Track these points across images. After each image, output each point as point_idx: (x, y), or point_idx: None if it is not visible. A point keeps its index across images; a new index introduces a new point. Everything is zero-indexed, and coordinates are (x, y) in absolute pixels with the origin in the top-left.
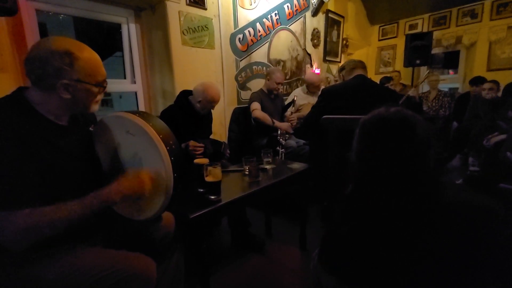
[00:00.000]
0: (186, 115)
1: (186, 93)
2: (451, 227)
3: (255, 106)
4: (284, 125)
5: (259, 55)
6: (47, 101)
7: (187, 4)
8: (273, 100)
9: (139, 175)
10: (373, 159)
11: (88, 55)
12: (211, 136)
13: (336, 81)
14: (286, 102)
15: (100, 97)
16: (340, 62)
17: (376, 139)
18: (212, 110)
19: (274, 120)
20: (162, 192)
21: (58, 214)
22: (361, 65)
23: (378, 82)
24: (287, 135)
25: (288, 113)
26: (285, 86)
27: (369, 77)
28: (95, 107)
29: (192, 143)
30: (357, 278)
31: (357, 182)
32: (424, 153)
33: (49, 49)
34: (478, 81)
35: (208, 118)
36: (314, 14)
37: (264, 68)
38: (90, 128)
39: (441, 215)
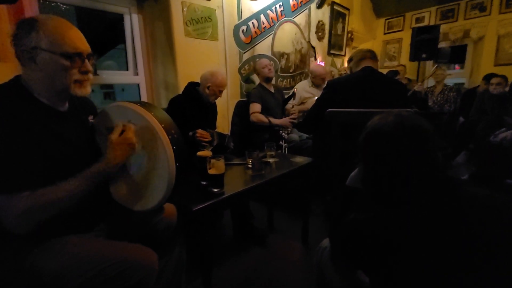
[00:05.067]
0: (194, 104)
1: (193, 84)
2: (470, 217)
3: (254, 108)
4: (283, 121)
5: (263, 47)
6: (31, 80)
7: None
8: (273, 94)
9: (123, 136)
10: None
11: (53, 23)
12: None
13: (340, 74)
14: (287, 96)
15: (79, 76)
16: (344, 55)
17: (390, 144)
18: (219, 97)
19: (271, 119)
20: (165, 182)
21: (57, 194)
22: (370, 55)
23: None
24: (289, 129)
25: (289, 106)
26: (288, 80)
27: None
28: (79, 90)
29: (200, 131)
30: (376, 266)
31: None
32: (434, 151)
33: (18, 22)
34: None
35: (214, 111)
36: (319, 6)
37: None
38: (91, 119)
39: (460, 206)
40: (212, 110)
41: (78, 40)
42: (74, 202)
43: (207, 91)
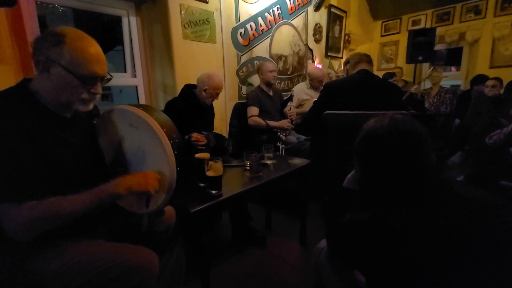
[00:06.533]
0: (191, 107)
1: (190, 86)
2: (465, 218)
3: (252, 112)
4: (280, 123)
5: (261, 50)
6: (40, 86)
7: None
8: (271, 97)
9: (146, 174)
10: (378, 164)
11: (81, 44)
12: (213, 131)
13: (338, 76)
14: (286, 98)
15: (87, 96)
16: (342, 57)
17: (384, 149)
18: (216, 100)
19: (268, 121)
20: (165, 187)
21: (64, 206)
22: (366, 58)
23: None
24: (287, 131)
25: (287, 108)
26: (286, 82)
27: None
28: (82, 107)
29: (195, 134)
30: (373, 268)
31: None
32: (428, 154)
33: (48, 30)
34: (480, 80)
35: (211, 112)
36: (317, 8)
37: None
38: (94, 121)
39: (455, 208)
40: (209, 112)
41: (98, 64)
42: (79, 216)
43: (204, 94)
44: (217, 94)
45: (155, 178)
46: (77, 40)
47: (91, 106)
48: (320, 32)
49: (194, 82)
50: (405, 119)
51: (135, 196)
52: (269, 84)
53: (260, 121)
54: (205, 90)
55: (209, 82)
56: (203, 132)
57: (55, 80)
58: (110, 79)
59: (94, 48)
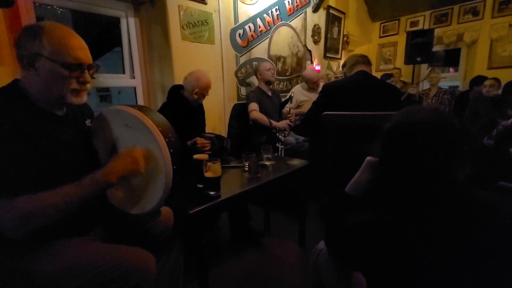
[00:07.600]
0: (182, 109)
1: (177, 88)
2: (465, 220)
3: (253, 107)
4: (282, 124)
5: (260, 51)
6: (28, 84)
7: None
8: (270, 97)
9: (131, 152)
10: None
11: (58, 32)
12: (211, 132)
13: (337, 77)
14: (284, 99)
15: (77, 86)
16: (340, 59)
17: (413, 143)
18: (214, 100)
19: (271, 120)
20: (162, 185)
21: (56, 198)
22: (363, 60)
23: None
24: (286, 132)
25: (286, 109)
26: (285, 83)
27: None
28: (75, 99)
29: (199, 140)
30: (377, 269)
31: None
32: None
33: (25, 25)
34: (480, 80)
35: (202, 110)
36: (315, 10)
37: None
38: (88, 123)
39: (455, 209)
40: (200, 110)
41: (80, 51)
42: (71, 208)
43: (195, 96)
44: (207, 92)
45: (141, 154)
46: (55, 29)
47: (84, 98)
48: (319, 33)
49: (183, 81)
50: (447, 113)
51: (129, 189)
52: (268, 83)
53: (264, 117)
54: (196, 93)
55: (198, 84)
56: (204, 134)
57: (42, 74)
58: (98, 67)
59: (73, 35)
